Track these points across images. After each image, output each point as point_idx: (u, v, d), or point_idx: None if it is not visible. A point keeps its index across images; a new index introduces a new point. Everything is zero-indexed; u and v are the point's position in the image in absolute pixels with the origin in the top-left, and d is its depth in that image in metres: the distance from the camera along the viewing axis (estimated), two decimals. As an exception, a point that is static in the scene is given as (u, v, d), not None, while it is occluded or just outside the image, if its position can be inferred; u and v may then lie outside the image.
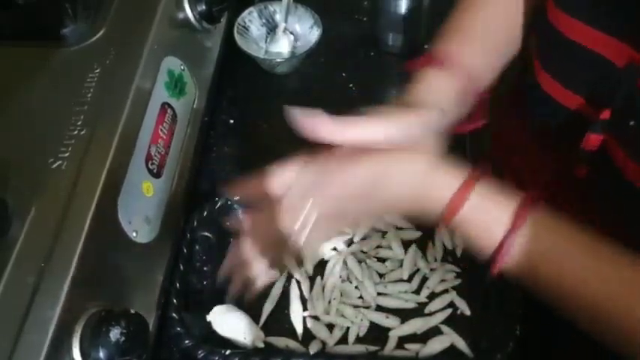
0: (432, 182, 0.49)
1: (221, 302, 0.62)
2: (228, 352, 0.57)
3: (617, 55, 0.48)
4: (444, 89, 0.56)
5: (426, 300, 0.63)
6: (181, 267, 0.63)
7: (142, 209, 0.58)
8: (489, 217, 0.47)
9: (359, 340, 0.61)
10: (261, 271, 0.57)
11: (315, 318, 0.62)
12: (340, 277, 0.64)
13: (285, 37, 0.84)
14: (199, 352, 0.57)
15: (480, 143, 0.74)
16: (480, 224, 0.48)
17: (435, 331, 0.61)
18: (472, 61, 0.59)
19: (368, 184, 0.49)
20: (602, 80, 0.51)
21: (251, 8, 0.85)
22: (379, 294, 0.63)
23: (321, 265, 0.66)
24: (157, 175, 0.61)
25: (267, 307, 0.63)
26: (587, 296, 0.45)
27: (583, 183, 0.52)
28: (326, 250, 0.66)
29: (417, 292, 0.63)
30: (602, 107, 0.49)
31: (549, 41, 0.57)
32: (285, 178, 0.53)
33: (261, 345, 0.61)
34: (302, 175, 0.50)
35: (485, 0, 0.62)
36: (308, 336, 0.61)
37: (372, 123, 0.51)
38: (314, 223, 0.50)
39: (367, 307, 0.63)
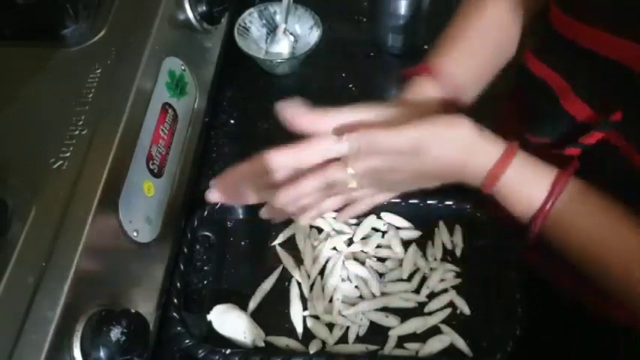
0: (479, 147, 0.50)
1: (221, 302, 0.62)
2: (228, 351, 0.57)
3: (636, 61, 0.48)
4: (430, 97, 0.59)
5: (426, 299, 0.63)
6: (181, 267, 0.63)
7: (142, 209, 0.58)
8: (530, 183, 0.50)
9: (359, 339, 0.61)
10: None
11: (315, 318, 0.62)
12: (340, 277, 0.64)
13: (285, 37, 0.84)
14: (199, 351, 0.57)
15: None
16: (521, 190, 0.50)
17: (434, 331, 0.61)
18: (459, 71, 0.61)
19: (414, 147, 0.50)
20: (615, 86, 0.50)
21: (251, 9, 0.86)
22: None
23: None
24: (157, 175, 0.61)
25: (258, 296, 0.63)
26: (611, 256, 0.48)
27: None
28: (326, 250, 0.66)
29: (417, 291, 0.64)
30: (610, 110, 0.50)
31: (554, 48, 0.57)
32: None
33: (262, 344, 0.61)
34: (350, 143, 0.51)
35: (481, 12, 0.63)
36: (308, 336, 0.62)
37: (349, 111, 0.52)
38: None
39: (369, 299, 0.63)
